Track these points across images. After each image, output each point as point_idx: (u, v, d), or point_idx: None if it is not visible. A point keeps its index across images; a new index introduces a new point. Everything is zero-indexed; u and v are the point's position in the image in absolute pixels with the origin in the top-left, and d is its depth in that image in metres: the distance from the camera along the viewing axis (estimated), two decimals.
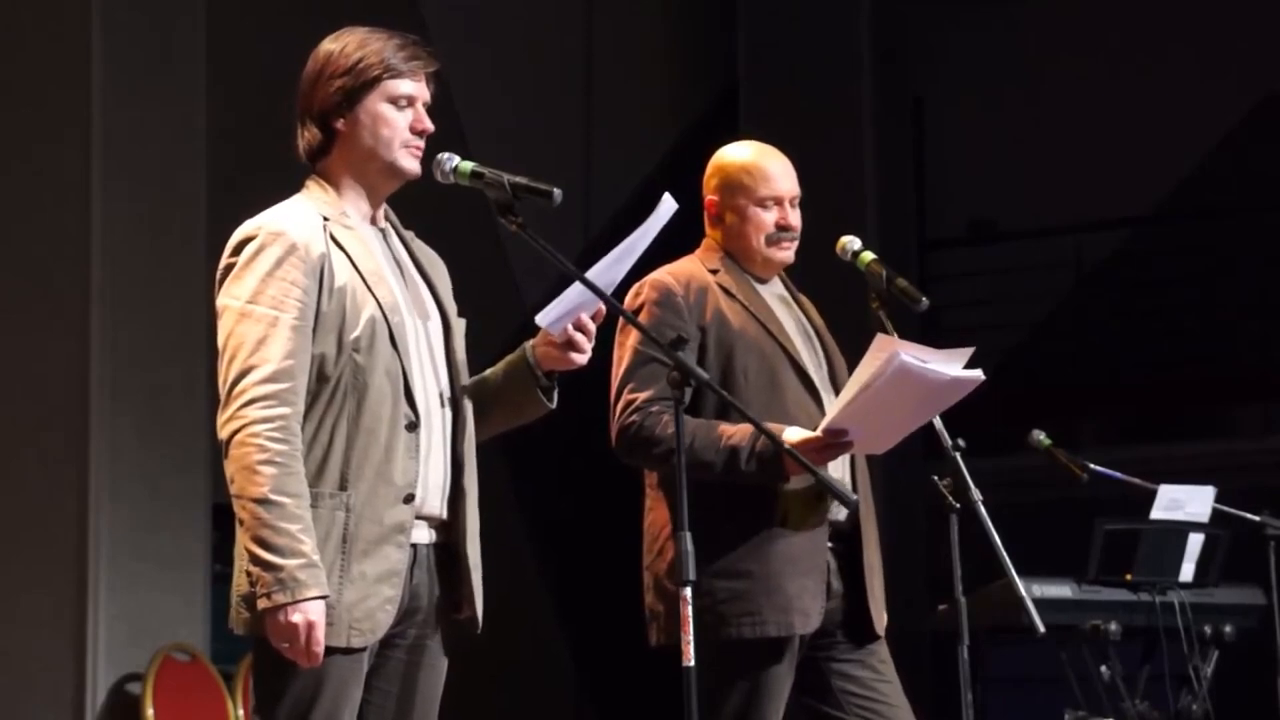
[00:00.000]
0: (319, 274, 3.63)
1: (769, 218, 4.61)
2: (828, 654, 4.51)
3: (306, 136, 3.76)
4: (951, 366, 4.28)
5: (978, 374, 4.32)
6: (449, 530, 3.74)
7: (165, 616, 8.14)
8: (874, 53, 11.14)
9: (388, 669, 3.70)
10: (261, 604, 3.52)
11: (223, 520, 8.32)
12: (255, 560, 3.53)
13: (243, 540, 3.57)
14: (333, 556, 3.58)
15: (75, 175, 8.17)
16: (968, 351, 4.29)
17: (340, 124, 3.72)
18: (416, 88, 3.75)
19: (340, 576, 3.58)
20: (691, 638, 3.73)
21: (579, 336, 3.77)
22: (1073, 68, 11.70)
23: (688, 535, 3.75)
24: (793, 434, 4.33)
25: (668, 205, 3.81)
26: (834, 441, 4.32)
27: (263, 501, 3.52)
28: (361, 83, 3.70)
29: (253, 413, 3.55)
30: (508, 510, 10.45)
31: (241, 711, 8.04)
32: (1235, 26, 11.30)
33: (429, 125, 3.75)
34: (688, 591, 3.74)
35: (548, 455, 9.80)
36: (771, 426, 4.29)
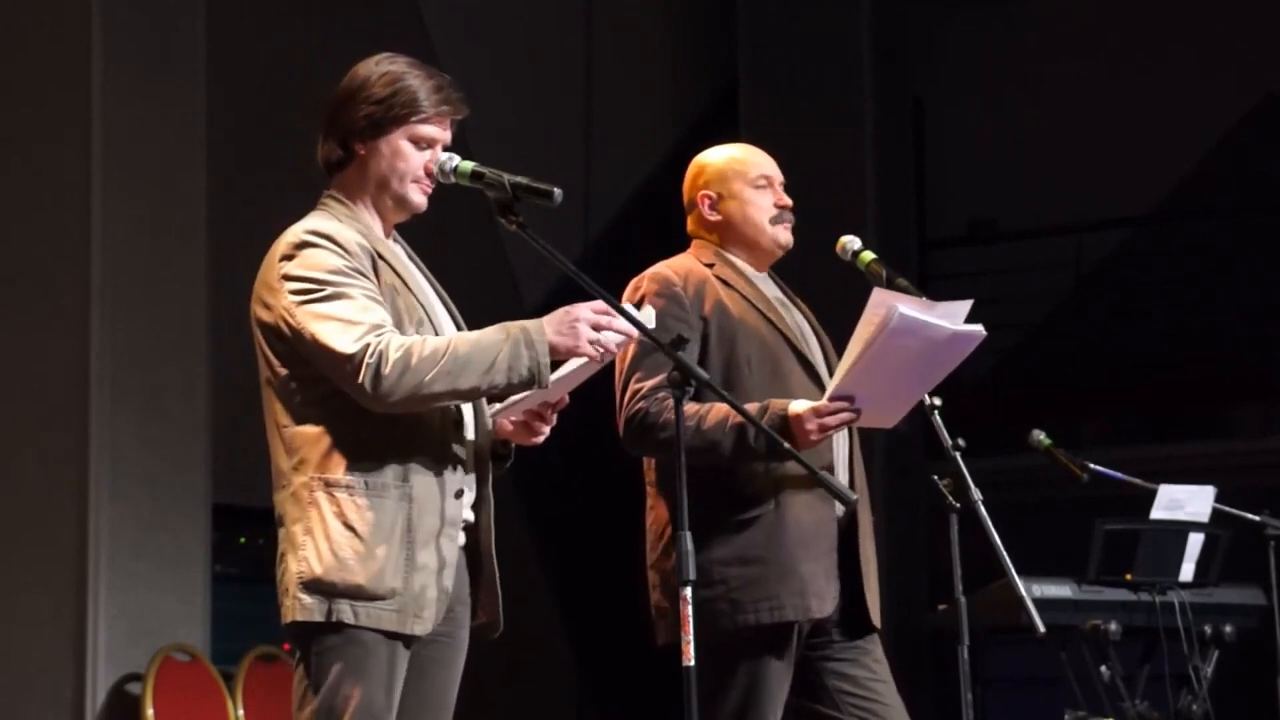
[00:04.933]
0: (375, 272, 3.70)
1: (767, 198, 4.64)
2: (823, 653, 4.51)
3: (325, 149, 3.82)
4: (952, 320, 4.27)
5: (978, 329, 4.31)
6: (473, 533, 3.81)
7: (165, 616, 8.13)
8: (874, 53, 11.15)
9: (417, 662, 3.73)
10: (539, 351, 3.59)
11: (223, 520, 8.33)
12: (507, 374, 3.58)
13: (480, 380, 3.59)
14: (399, 546, 3.64)
15: (75, 175, 8.16)
16: (966, 304, 4.29)
17: (361, 148, 3.78)
18: (440, 133, 3.81)
19: (407, 565, 3.64)
20: (691, 637, 3.74)
21: (538, 424, 3.85)
22: (1073, 68, 11.72)
23: (687, 535, 3.76)
24: (799, 405, 4.34)
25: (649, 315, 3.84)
26: (842, 409, 4.32)
27: (442, 371, 3.56)
28: (389, 118, 3.75)
29: (374, 350, 3.58)
30: (510, 508, 10.43)
31: (242, 711, 8.04)
32: (1235, 26, 11.31)
33: None
34: (687, 591, 3.75)
35: (551, 453, 9.80)
36: (777, 401, 4.34)
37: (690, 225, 4.72)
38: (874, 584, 4.56)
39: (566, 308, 3.66)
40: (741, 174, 4.65)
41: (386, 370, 3.55)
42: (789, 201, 4.67)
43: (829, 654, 4.52)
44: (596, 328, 3.65)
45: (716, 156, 4.72)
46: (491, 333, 3.64)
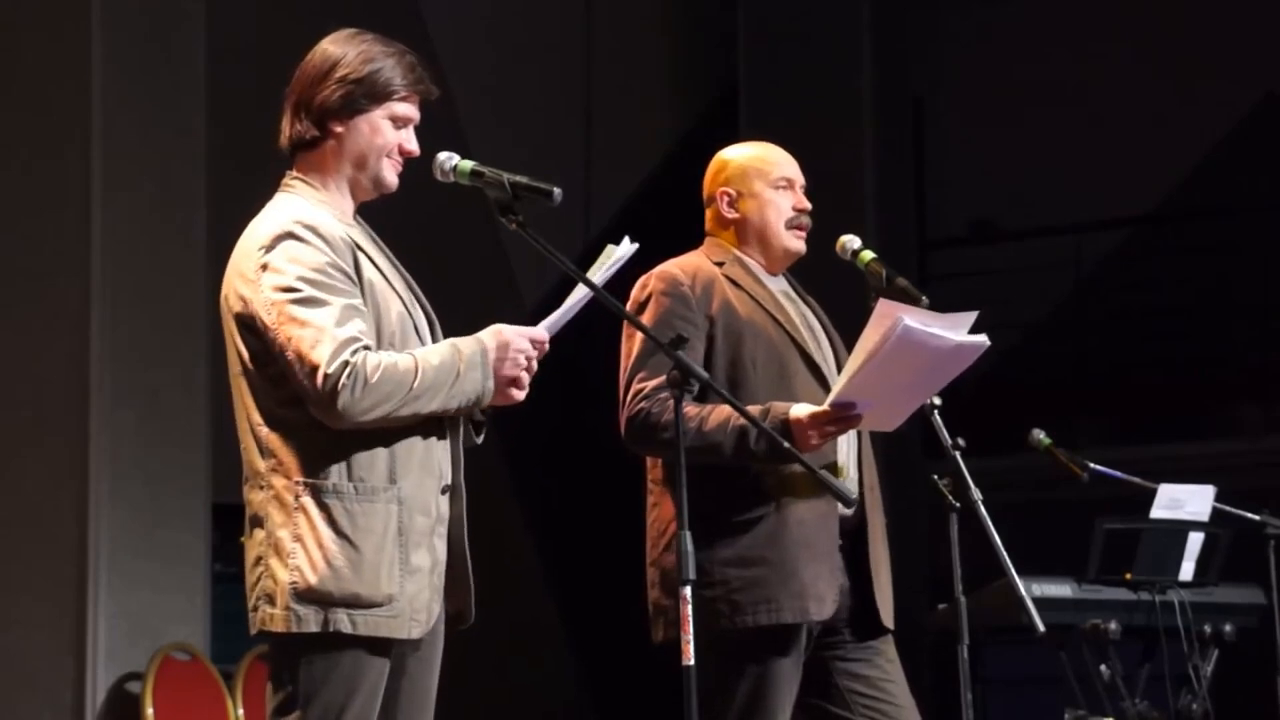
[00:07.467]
0: (356, 267, 3.67)
1: (786, 200, 4.62)
2: (834, 653, 4.51)
3: (298, 128, 3.77)
4: (956, 332, 4.26)
5: (982, 339, 4.31)
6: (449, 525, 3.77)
7: (165, 615, 8.14)
8: (874, 53, 11.15)
9: (401, 662, 3.71)
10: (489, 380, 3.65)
11: (223, 520, 8.33)
12: (460, 399, 3.63)
13: (440, 404, 3.61)
14: (392, 550, 3.61)
15: (76, 174, 8.18)
16: (971, 316, 4.28)
17: (338, 127, 3.75)
18: (414, 112, 3.80)
19: (401, 570, 3.62)
20: (691, 637, 3.74)
21: (523, 375, 3.75)
22: (1073, 68, 11.71)
23: (687, 535, 3.76)
24: (800, 409, 4.34)
25: (625, 248, 3.80)
26: (843, 415, 4.32)
27: (411, 396, 3.58)
28: (372, 95, 3.73)
29: (351, 371, 3.56)
30: (507, 504, 10.45)
31: (242, 711, 8.04)
32: (1235, 26, 11.31)
33: (416, 150, 3.80)
34: (687, 591, 3.75)
35: (547, 449, 9.81)
36: (779, 404, 4.33)
37: (708, 221, 4.70)
38: (886, 585, 4.54)
39: (505, 338, 3.67)
40: (763, 174, 4.64)
41: (359, 394, 3.54)
42: (808, 205, 4.65)
43: (841, 654, 4.51)
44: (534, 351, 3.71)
45: (739, 154, 4.70)
46: (447, 353, 3.64)
